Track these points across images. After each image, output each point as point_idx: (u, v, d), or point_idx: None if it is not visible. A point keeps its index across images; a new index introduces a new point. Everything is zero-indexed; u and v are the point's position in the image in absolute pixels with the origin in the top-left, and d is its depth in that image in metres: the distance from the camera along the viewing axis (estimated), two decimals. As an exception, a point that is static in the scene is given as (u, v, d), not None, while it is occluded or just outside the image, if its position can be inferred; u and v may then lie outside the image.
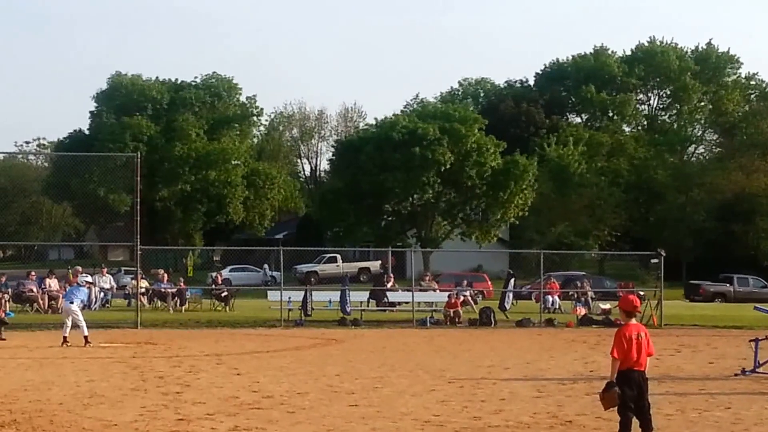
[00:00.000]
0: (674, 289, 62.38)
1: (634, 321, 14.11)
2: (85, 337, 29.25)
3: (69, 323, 29.53)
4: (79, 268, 48.90)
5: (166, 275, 49.12)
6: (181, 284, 48.72)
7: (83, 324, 29.52)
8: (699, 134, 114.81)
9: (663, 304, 42.74)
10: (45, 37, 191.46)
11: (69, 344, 28.80)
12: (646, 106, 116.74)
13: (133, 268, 46.60)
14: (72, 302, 30.06)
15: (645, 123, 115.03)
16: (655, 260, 45.37)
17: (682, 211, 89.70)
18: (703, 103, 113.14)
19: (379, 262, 75.31)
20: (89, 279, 31.29)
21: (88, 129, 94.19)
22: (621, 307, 14.39)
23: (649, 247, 59.45)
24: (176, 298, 46.28)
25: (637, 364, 13.74)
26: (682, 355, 28.57)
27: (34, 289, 43.68)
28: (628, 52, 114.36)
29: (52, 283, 44.02)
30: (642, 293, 48.32)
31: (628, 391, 13.70)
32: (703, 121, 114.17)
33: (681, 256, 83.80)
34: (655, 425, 14.15)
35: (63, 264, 69.28)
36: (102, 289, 46.45)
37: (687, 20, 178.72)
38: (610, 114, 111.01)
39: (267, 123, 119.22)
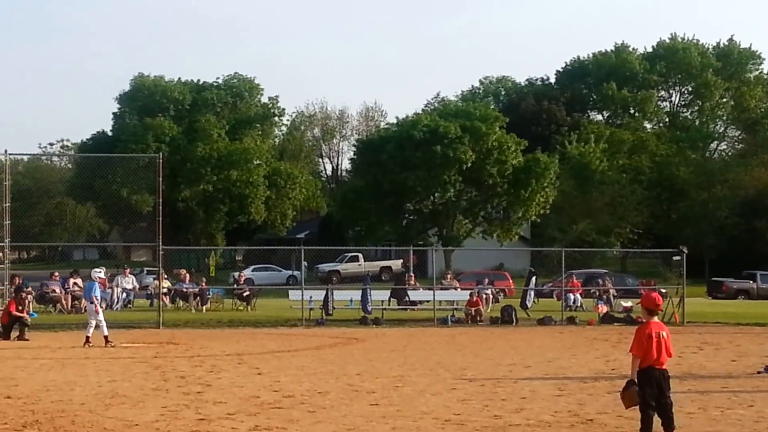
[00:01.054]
0: (697, 287, 62.20)
1: (656, 319, 14.07)
2: (105, 337, 29.26)
3: (93, 323, 29.57)
4: (103, 269, 49.11)
5: (188, 275, 49.15)
6: (203, 284, 48.74)
7: (103, 324, 29.49)
8: (721, 131, 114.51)
9: (685, 302, 42.58)
10: (68, 40, 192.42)
11: (91, 344, 28.84)
12: (667, 103, 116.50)
13: (155, 269, 46.63)
14: (92, 302, 30.05)
15: (667, 120, 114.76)
16: (678, 257, 45.24)
17: (704, 208, 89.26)
18: (725, 100, 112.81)
19: (401, 261, 75.30)
20: (101, 274, 31.23)
21: (111, 130, 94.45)
22: (643, 305, 14.34)
23: (671, 245, 59.25)
24: (198, 298, 46.30)
25: (658, 362, 13.69)
26: (705, 352, 28.43)
27: (57, 290, 43.76)
28: (650, 49, 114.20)
29: (76, 283, 44.07)
30: (664, 291, 48.13)
31: (648, 389, 13.65)
32: (725, 118, 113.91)
33: (703, 253, 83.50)
34: (677, 423, 14.09)
35: (87, 264, 69.31)
36: (124, 289, 46.49)
37: (708, 16, 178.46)
38: (632, 111, 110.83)
39: (288, 123, 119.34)
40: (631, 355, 13.93)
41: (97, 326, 29.48)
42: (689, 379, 21.52)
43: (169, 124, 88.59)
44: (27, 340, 31.27)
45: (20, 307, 32.34)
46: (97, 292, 30.46)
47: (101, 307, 30.43)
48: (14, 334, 31.79)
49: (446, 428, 15.55)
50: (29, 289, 38.92)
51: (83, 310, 40.87)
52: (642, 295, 14.85)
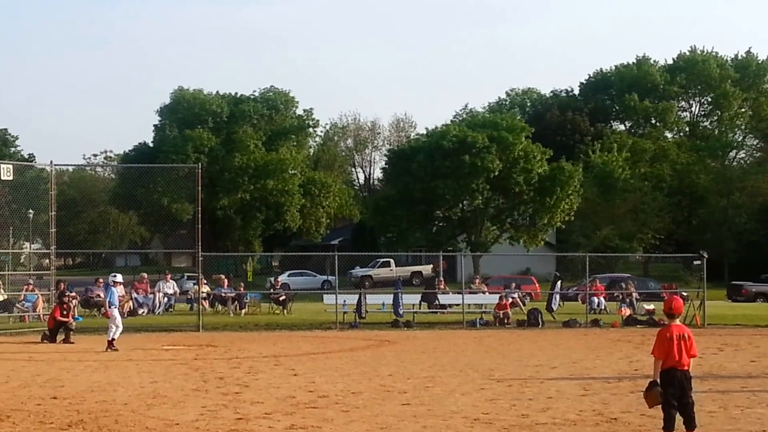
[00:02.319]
0: (717, 290, 61.80)
1: (677, 322, 14.04)
2: (109, 341, 29.13)
3: (113, 327, 29.44)
4: (145, 275, 49.24)
5: (226, 280, 49.20)
6: (241, 289, 48.78)
7: (114, 329, 29.32)
8: (740, 139, 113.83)
9: (706, 305, 42.34)
10: (111, 56, 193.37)
11: (115, 348, 28.71)
12: (687, 113, 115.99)
13: (195, 274, 46.71)
14: (113, 305, 30.00)
15: (687, 129, 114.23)
16: (698, 262, 45.07)
17: (724, 214, 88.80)
18: (743, 110, 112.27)
19: (431, 266, 75.22)
20: (118, 279, 31.18)
21: (152, 142, 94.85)
22: (664, 309, 14.39)
23: (692, 250, 58.95)
24: (236, 302, 46.35)
25: (680, 363, 13.68)
26: (725, 353, 28.28)
27: (101, 295, 43.86)
28: (670, 62, 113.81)
29: (118, 289, 44.15)
30: (685, 294, 48.00)
31: (671, 390, 13.62)
32: (743, 127, 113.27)
33: (723, 258, 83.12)
34: (698, 422, 14.04)
35: (129, 270, 69.62)
36: (166, 294, 46.64)
37: (727, 30, 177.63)
38: (653, 121, 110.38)
39: (323, 134, 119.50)
40: (653, 356, 13.93)
41: (110, 328, 29.36)
42: (710, 379, 21.42)
43: (208, 136, 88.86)
44: (72, 343, 31.36)
45: (64, 312, 32.44)
46: (112, 296, 30.37)
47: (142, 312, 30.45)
48: (60, 337, 31.91)
49: (475, 427, 15.52)
50: (73, 294, 39.04)
51: (125, 315, 41.18)
52: (664, 300, 14.89)
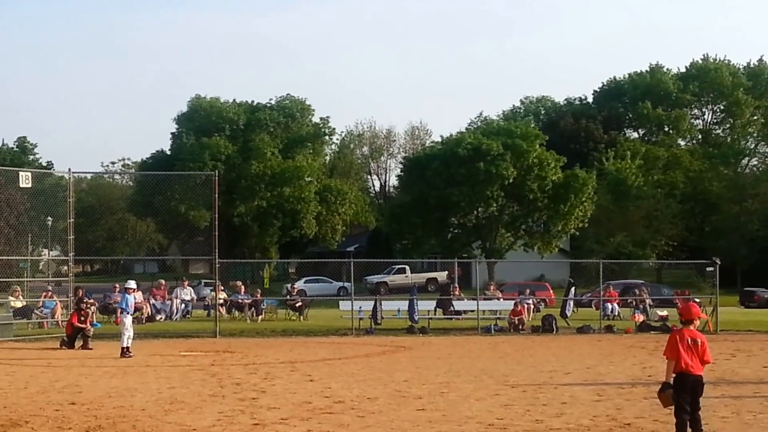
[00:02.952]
0: (729, 296, 61.66)
1: (691, 327, 14.03)
2: (122, 348, 29.11)
3: (127, 334, 29.46)
4: (162, 281, 49.29)
5: (243, 287, 49.17)
6: (258, 295, 48.72)
7: (127, 335, 29.29)
8: (752, 147, 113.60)
9: (719, 311, 42.24)
10: (129, 65, 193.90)
11: (131, 355, 28.72)
12: (700, 121, 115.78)
13: (212, 281, 46.74)
14: (127, 312, 30.03)
15: (699, 137, 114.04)
16: (711, 268, 44.96)
17: (736, 221, 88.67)
18: (755, 117, 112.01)
19: (446, 272, 75.12)
20: (131, 285, 31.15)
21: (169, 149, 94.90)
22: (680, 315, 14.49)
23: (705, 256, 58.80)
24: (252, 308, 46.34)
25: (691, 367, 13.66)
26: (738, 359, 28.22)
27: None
28: (683, 70, 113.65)
29: (137, 296, 44.18)
30: (698, 300, 47.85)
31: (683, 395, 13.61)
32: (755, 135, 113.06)
33: (736, 264, 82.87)
34: (711, 427, 14.01)
35: (147, 277, 69.77)
36: (183, 300, 46.67)
37: (739, 38, 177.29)
38: (666, 129, 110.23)
39: (338, 142, 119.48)
40: (665, 358, 13.97)
41: (122, 335, 29.37)
42: (723, 385, 21.38)
43: (225, 143, 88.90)
44: (90, 349, 31.42)
45: (82, 318, 32.50)
46: (127, 303, 30.33)
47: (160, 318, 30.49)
48: (78, 343, 31.98)
49: (489, 432, 15.51)
50: (92, 300, 39.11)
51: (143, 321, 41.25)
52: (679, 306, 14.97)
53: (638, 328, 42.07)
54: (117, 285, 46.75)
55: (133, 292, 31.46)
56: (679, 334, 13.87)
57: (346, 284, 59.48)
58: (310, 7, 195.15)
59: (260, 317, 45.81)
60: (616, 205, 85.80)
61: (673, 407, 13.85)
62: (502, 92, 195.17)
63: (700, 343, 13.82)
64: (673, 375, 13.77)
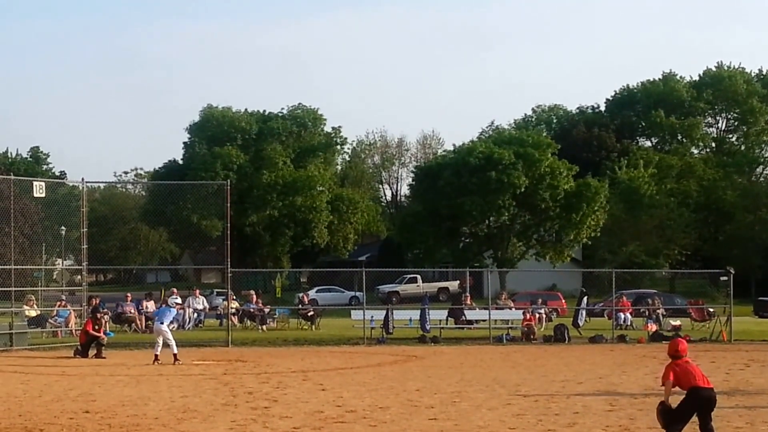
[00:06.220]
0: (743, 306, 61.45)
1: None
2: (174, 355, 29.55)
3: (160, 342, 29.85)
4: (174, 290, 49.40)
5: (255, 296, 49.18)
6: (260, 304, 48.36)
7: (173, 343, 29.83)
8: (766, 155, 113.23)
9: (732, 321, 42.20)
10: (141, 75, 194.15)
11: (160, 362, 29.10)
12: (714, 129, 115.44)
13: (224, 290, 46.80)
14: (162, 322, 30.40)
15: (713, 145, 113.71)
16: (725, 278, 44.83)
17: (750, 230, 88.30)
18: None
19: (458, 282, 75.15)
20: (179, 301, 31.43)
21: (181, 159, 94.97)
22: (669, 352, 15.26)
23: (719, 266, 58.64)
24: (257, 317, 46.25)
25: (702, 381, 13.91)
26: (752, 369, 28.16)
27: (132, 310, 44.06)
28: (696, 78, 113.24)
29: (149, 305, 44.37)
30: (712, 310, 47.94)
31: (689, 407, 13.92)
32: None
33: (750, 274, 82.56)
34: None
35: (160, 286, 69.89)
36: (195, 309, 46.75)
37: (753, 45, 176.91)
38: (679, 137, 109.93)
39: (350, 151, 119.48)
40: (663, 383, 14.37)
41: (167, 345, 29.74)
42: (737, 395, 21.38)
43: (237, 153, 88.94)
44: (104, 357, 31.55)
45: (96, 327, 32.63)
46: (172, 317, 30.67)
47: (171, 327, 30.70)
48: (92, 352, 32.09)
49: (502, 442, 15.56)
50: (105, 309, 39.23)
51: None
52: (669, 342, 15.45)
53: (651, 338, 41.98)
54: (129, 294, 46.95)
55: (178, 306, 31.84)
56: (672, 363, 14.38)
57: (358, 293, 59.56)
58: (323, 17, 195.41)
59: (265, 326, 45.59)
60: (628, 214, 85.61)
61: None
62: (513, 101, 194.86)
63: (693, 365, 14.25)
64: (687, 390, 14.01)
